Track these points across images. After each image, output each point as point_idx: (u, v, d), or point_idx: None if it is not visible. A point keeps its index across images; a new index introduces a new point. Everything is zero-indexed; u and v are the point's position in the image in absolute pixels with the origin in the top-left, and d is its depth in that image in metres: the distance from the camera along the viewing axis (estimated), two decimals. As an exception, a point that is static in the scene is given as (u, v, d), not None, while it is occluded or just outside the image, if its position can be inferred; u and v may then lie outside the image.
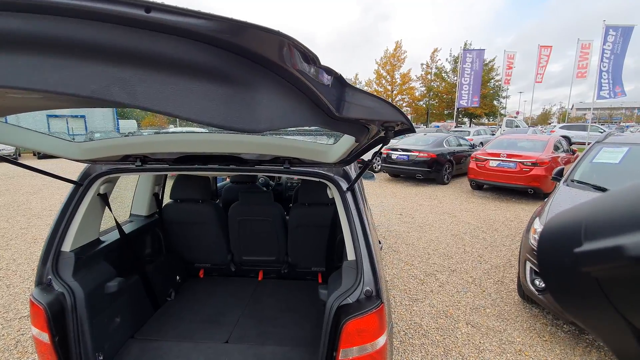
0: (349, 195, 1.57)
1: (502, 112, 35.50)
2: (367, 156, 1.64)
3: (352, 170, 1.76)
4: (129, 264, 2.16)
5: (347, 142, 1.36)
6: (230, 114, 0.68)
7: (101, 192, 1.78)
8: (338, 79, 0.77)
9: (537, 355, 2.64)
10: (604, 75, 14.43)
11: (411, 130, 1.12)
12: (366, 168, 1.51)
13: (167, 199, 2.86)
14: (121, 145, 1.57)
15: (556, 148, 7.92)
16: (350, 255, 1.54)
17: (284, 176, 3.47)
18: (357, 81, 40.51)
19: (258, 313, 2.37)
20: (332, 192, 1.66)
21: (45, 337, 1.44)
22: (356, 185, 1.61)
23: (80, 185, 1.70)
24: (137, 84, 0.64)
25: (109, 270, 1.92)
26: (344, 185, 1.60)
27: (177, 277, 2.76)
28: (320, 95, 0.74)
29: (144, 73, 0.63)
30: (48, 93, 0.63)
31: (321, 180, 1.64)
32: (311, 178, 1.64)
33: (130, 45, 0.60)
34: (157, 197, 2.77)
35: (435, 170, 9.31)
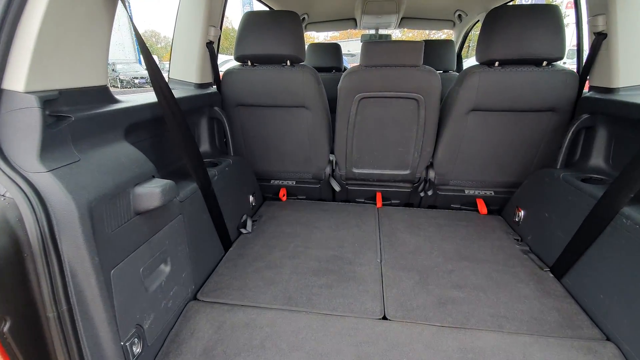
0: None
1: None
2: None
3: None
4: (176, 158, 1.24)
5: None
6: None
7: None
8: None
9: None
10: None
11: None
12: None
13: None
14: None
15: None
16: None
17: None
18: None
19: (409, 260, 1.32)
20: None
21: None
22: None
23: None
24: None
25: (142, 160, 0.90)
26: None
27: (251, 198, 1.81)
28: None
29: None
30: None
31: None
32: None
33: None
34: (212, 55, 1.61)
35: None
